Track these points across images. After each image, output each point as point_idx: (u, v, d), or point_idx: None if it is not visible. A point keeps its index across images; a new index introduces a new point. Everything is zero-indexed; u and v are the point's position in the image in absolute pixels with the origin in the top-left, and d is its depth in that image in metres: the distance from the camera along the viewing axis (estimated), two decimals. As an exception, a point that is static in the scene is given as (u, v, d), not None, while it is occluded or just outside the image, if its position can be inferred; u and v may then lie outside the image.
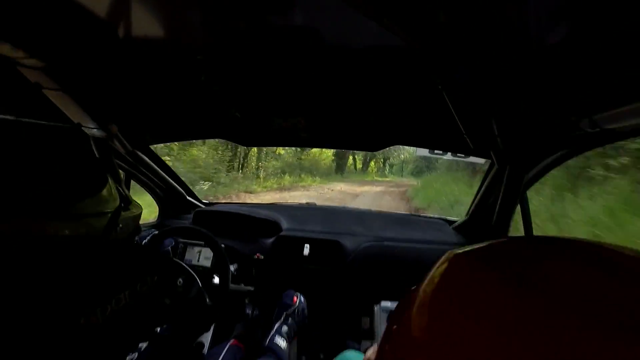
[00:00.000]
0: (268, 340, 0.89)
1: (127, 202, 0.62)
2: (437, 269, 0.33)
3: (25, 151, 0.48)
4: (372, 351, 0.59)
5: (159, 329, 1.00)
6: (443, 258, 0.34)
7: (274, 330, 0.94)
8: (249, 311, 1.46)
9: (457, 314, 0.27)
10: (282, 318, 0.99)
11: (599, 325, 0.22)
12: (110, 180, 0.59)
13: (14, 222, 0.44)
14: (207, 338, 1.23)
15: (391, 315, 0.37)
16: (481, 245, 0.34)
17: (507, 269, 0.30)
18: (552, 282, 0.26)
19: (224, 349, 0.96)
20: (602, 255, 0.29)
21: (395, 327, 0.32)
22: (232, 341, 1.01)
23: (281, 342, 0.90)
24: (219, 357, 0.93)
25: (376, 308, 0.68)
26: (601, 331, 0.21)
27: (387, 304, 0.68)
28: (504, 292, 0.27)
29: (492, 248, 0.34)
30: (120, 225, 0.59)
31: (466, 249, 0.34)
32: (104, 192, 0.57)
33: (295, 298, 1.07)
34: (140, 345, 0.92)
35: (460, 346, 0.25)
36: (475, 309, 0.27)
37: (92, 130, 0.90)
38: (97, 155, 0.59)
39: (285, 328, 0.95)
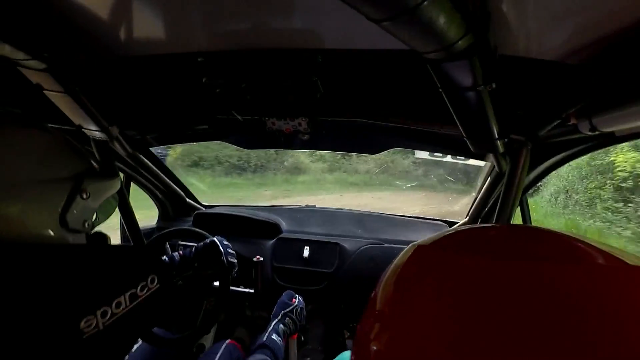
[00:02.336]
0: (265, 337, 0.90)
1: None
2: (397, 262, 0.36)
3: None
4: None
5: (155, 329, 1.00)
6: (404, 251, 0.37)
7: (271, 327, 0.94)
8: (249, 313, 1.45)
9: (409, 295, 0.30)
10: (280, 316, 0.99)
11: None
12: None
13: None
14: (208, 340, 1.23)
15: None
16: (438, 235, 0.36)
17: (458, 256, 0.32)
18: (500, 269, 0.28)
19: (220, 349, 0.96)
20: (559, 243, 0.30)
21: (366, 311, 0.35)
22: (228, 341, 1.01)
23: (277, 339, 0.90)
24: (215, 357, 0.93)
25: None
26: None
27: None
28: (457, 280, 0.28)
29: (449, 237, 0.36)
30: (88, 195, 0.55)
31: (424, 241, 0.37)
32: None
33: (294, 299, 1.07)
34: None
35: (413, 323, 0.27)
36: (429, 298, 0.29)
37: (93, 132, 0.90)
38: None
39: (281, 326, 0.96)
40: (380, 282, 0.35)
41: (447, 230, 0.38)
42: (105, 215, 0.65)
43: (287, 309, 1.02)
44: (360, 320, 0.35)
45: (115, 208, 0.68)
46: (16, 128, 0.49)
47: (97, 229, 0.61)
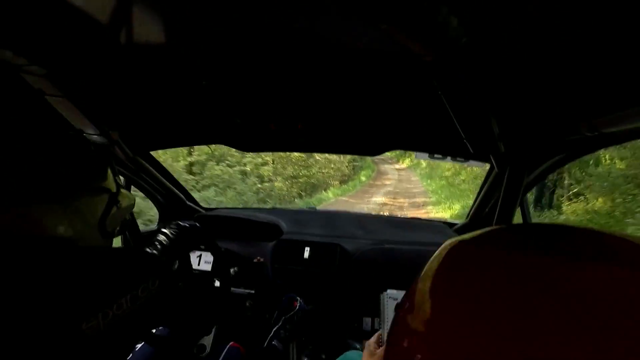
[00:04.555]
0: (266, 343, 0.89)
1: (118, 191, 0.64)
2: (438, 256, 0.34)
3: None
4: (374, 339, 0.60)
5: (155, 330, 1.00)
6: (443, 245, 0.35)
7: (272, 333, 0.94)
8: (249, 314, 1.45)
9: (459, 297, 0.28)
10: (281, 322, 0.99)
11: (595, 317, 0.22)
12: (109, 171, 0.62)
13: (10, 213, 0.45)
14: (208, 341, 1.23)
15: (398, 304, 0.39)
16: (480, 232, 0.35)
17: (505, 252, 0.30)
18: (549, 267, 0.27)
19: (222, 352, 0.96)
20: (604, 243, 0.29)
21: (401, 314, 0.33)
22: (231, 343, 1.01)
23: (279, 346, 0.90)
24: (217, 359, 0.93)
25: (382, 296, 0.69)
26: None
27: (394, 292, 0.69)
28: (504, 276, 0.27)
29: (491, 234, 0.35)
30: (113, 212, 0.61)
31: (465, 236, 0.35)
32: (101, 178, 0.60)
33: (295, 302, 1.06)
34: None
35: (463, 328, 0.25)
36: (476, 293, 0.27)
37: (94, 136, 0.90)
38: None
39: (282, 332, 0.95)
40: (421, 285, 0.33)
41: (484, 230, 0.36)
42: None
43: (288, 315, 1.02)
44: (398, 323, 0.33)
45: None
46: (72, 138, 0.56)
47: None
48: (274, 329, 0.96)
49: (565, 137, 0.76)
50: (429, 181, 11.92)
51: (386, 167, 17.20)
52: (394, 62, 0.69)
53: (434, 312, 0.29)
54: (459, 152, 1.17)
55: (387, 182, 12.67)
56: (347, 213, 1.84)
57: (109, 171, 0.62)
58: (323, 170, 10.39)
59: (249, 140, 1.30)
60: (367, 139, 1.22)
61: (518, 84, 0.67)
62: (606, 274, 0.25)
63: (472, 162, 1.22)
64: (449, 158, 1.22)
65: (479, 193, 1.40)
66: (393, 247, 1.40)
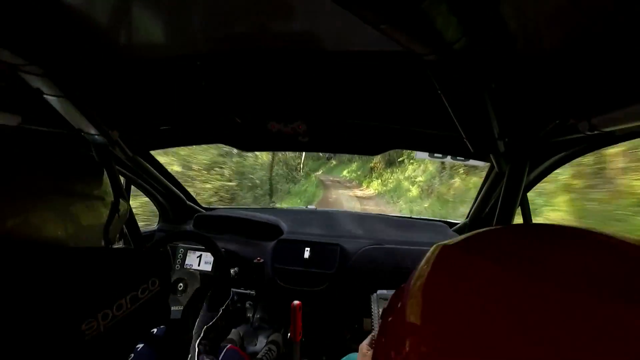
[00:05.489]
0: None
1: (120, 197, 0.66)
2: (426, 261, 0.34)
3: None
4: (367, 341, 0.60)
5: (155, 330, 1.00)
6: (430, 250, 0.35)
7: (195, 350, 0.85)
8: (250, 314, 1.45)
9: (448, 302, 0.28)
10: (202, 333, 0.90)
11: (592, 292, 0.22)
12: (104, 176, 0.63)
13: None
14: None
15: (384, 310, 0.39)
16: (464, 236, 0.35)
17: (491, 253, 0.31)
18: (537, 262, 0.27)
19: (220, 354, 0.96)
20: (593, 238, 0.29)
21: (390, 319, 0.33)
22: (228, 346, 1.01)
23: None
24: None
25: (373, 297, 0.69)
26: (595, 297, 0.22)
27: (384, 292, 0.69)
28: (491, 276, 0.27)
29: (477, 236, 0.35)
30: (115, 220, 0.63)
31: (450, 242, 0.35)
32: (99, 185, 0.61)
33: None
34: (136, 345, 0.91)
35: (454, 332, 0.25)
36: (465, 295, 0.27)
37: (93, 136, 0.90)
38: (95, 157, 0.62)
39: (204, 343, 0.87)
40: (409, 288, 0.33)
41: (469, 233, 0.36)
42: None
43: (211, 323, 0.91)
44: (385, 329, 0.33)
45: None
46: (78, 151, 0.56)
47: None
48: (196, 344, 0.87)
49: (565, 137, 0.76)
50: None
51: (341, 192, 11.70)
52: (394, 61, 0.68)
53: (418, 319, 0.29)
54: (459, 151, 1.17)
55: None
56: (347, 213, 1.84)
57: (106, 179, 0.63)
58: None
59: (249, 140, 1.30)
60: (367, 139, 1.22)
61: (518, 83, 0.67)
62: (590, 259, 0.25)
63: (472, 161, 1.22)
64: (449, 157, 1.22)
65: (479, 193, 1.40)
66: (393, 247, 1.40)
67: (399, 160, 11.01)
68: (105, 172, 0.63)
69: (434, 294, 0.30)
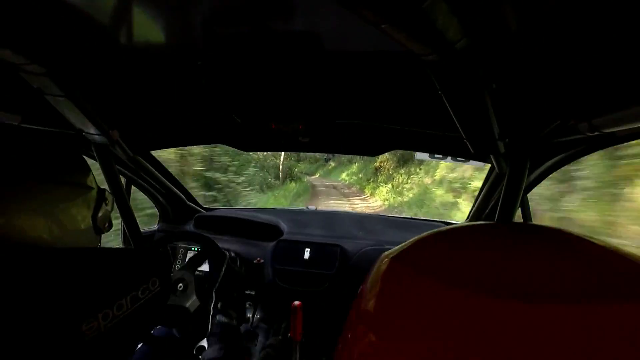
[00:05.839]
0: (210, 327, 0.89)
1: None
2: (373, 273, 0.36)
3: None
4: None
5: (154, 331, 1.00)
6: (378, 260, 0.36)
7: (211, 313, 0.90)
8: (249, 315, 1.45)
9: (382, 318, 0.30)
10: (214, 296, 0.95)
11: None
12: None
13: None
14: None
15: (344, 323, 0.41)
16: (409, 243, 0.36)
17: (426, 272, 0.31)
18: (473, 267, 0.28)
19: None
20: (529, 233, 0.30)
21: (344, 329, 0.36)
22: None
23: (222, 319, 0.88)
24: None
25: None
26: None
27: None
28: (432, 290, 0.28)
29: (419, 245, 0.36)
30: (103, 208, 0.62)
31: (394, 250, 0.36)
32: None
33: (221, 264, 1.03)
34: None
35: (386, 347, 0.27)
36: (395, 314, 0.29)
37: (94, 136, 0.90)
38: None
39: (219, 304, 0.92)
40: (359, 296, 0.35)
41: (415, 239, 0.37)
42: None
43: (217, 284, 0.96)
44: (342, 333, 0.34)
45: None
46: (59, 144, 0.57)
47: None
48: (211, 306, 0.92)
49: (566, 138, 0.76)
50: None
51: (333, 204, 8.58)
52: (394, 62, 0.68)
53: (366, 329, 0.31)
54: (459, 152, 1.17)
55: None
56: (347, 213, 1.84)
57: (89, 171, 0.62)
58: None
59: (249, 140, 1.30)
60: (367, 139, 1.22)
61: (519, 84, 0.67)
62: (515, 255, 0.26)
63: (472, 162, 1.22)
64: (449, 158, 1.22)
65: (479, 193, 1.40)
66: (393, 248, 1.40)
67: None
68: (85, 162, 0.62)
69: (374, 305, 0.32)
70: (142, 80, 0.84)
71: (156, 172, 1.44)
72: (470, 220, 1.49)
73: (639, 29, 0.45)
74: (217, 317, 0.91)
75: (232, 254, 1.20)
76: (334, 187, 12.02)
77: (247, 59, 0.73)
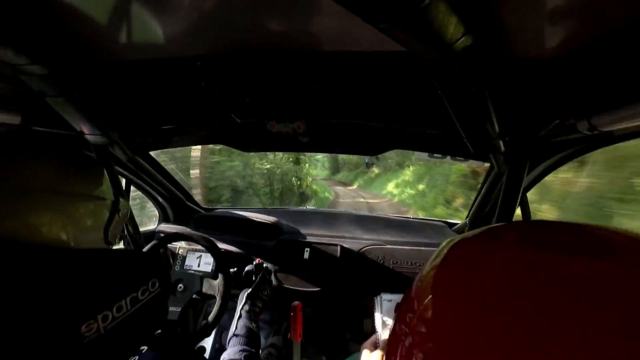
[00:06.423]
0: (235, 326, 0.90)
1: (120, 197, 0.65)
2: (439, 255, 0.35)
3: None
4: (371, 341, 0.60)
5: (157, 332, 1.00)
6: (444, 243, 0.35)
7: (238, 314, 0.93)
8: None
9: (462, 294, 0.29)
10: (245, 300, 0.98)
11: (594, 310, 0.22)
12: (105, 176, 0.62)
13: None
14: (208, 342, 1.22)
15: (398, 304, 0.39)
16: (481, 230, 0.35)
17: (507, 249, 0.31)
18: (551, 263, 0.27)
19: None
20: (599, 237, 0.29)
21: (402, 314, 0.34)
22: None
23: (250, 326, 0.90)
24: None
25: (377, 299, 0.70)
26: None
27: (388, 295, 0.70)
28: (507, 272, 0.27)
29: (492, 232, 0.35)
30: (115, 220, 0.62)
31: (466, 235, 0.35)
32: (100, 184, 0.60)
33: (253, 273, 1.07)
34: (141, 347, 0.91)
35: (468, 325, 0.26)
36: (480, 289, 0.28)
37: (94, 136, 0.90)
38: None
39: (248, 309, 0.95)
40: (420, 279, 0.33)
41: (484, 227, 0.37)
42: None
43: (251, 290, 1.01)
44: (397, 325, 0.33)
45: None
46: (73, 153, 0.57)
47: None
48: (239, 309, 0.94)
49: (565, 137, 0.76)
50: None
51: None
52: (394, 61, 0.69)
53: (437, 309, 0.29)
54: (459, 151, 1.17)
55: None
56: (347, 213, 1.84)
57: (106, 178, 0.62)
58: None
59: (249, 140, 1.30)
60: (367, 139, 1.22)
61: (518, 83, 0.67)
62: (606, 270, 0.25)
63: (472, 161, 1.22)
64: (448, 157, 1.22)
65: (479, 192, 1.40)
66: (393, 248, 1.40)
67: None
68: (105, 172, 0.62)
69: (451, 283, 0.30)
70: (141, 81, 0.84)
71: (155, 173, 1.44)
72: (470, 219, 1.49)
73: (637, 29, 0.46)
74: (244, 320, 0.92)
75: (268, 266, 1.24)
76: (371, 208, 7.63)
77: (247, 60, 0.73)
